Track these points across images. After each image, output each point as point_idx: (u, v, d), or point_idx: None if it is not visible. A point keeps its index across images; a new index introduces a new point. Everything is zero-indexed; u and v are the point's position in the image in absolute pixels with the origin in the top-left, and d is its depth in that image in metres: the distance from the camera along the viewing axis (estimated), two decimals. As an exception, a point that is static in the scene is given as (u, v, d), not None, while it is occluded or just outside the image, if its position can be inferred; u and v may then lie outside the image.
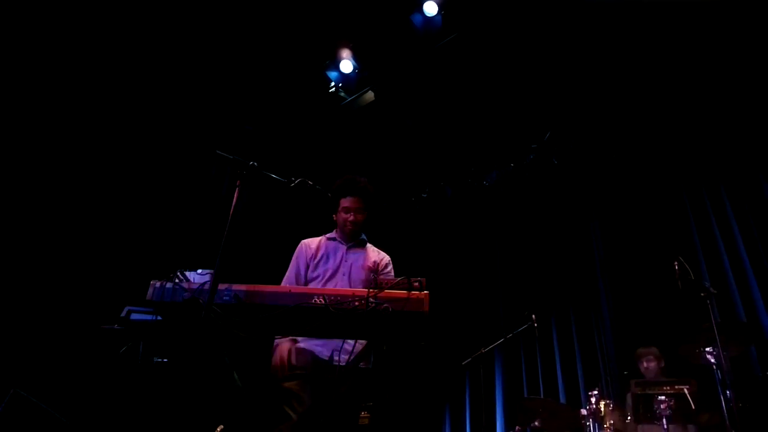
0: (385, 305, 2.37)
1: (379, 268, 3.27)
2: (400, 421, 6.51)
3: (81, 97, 4.72)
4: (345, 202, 3.24)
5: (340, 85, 5.39)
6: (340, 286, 3.08)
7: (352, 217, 3.22)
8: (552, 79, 5.62)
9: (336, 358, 2.91)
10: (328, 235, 3.38)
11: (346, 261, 3.23)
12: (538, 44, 5.29)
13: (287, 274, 3.24)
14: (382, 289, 2.43)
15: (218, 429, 2.94)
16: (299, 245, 3.33)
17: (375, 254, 3.35)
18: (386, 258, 3.37)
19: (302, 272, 3.20)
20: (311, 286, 3.09)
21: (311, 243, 3.32)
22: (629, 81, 5.59)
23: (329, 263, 3.21)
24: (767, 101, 5.49)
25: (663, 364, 4.85)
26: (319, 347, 2.97)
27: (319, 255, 3.23)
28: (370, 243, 3.40)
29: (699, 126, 5.91)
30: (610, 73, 5.51)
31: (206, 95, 5.28)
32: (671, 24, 5.00)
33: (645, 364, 4.86)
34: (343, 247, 3.28)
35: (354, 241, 3.31)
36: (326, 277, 3.15)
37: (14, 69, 4.29)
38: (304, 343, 2.97)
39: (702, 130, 5.92)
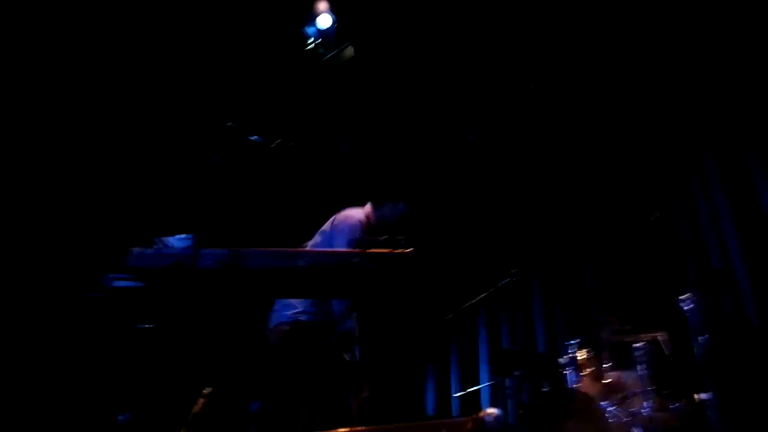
0: (369, 264, 2.37)
1: None
2: (386, 375, 6.65)
3: (50, 54, 4.52)
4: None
5: (319, 41, 5.23)
6: None
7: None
8: (537, 36, 5.57)
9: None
10: (369, 215, 3.42)
11: None
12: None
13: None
14: (365, 247, 2.43)
15: (205, 391, 2.96)
16: (360, 218, 3.32)
17: None
18: None
19: None
20: None
21: (363, 221, 3.34)
22: (619, 39, 5.56)
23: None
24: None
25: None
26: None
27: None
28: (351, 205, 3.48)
29: (688, 85, 5.91)
30: (598, 31, 5.50)
31: (181, 56, 5.09)
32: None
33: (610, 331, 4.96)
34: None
35: None
36: None
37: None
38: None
39: (687, 88, 5.93)
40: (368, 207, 3.56)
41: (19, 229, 4.03)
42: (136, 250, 2.18)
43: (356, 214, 3.41)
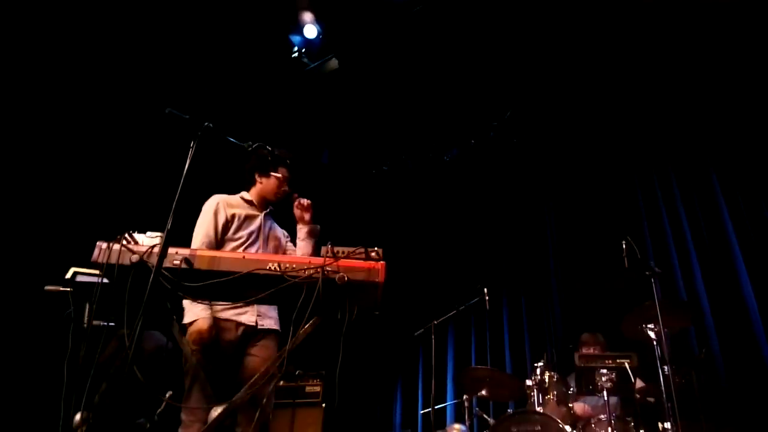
0: (340, 274, 2.36)
1: (284, 241, 3.39)
2: (354, 389, 6.60)
3: (21, 46, 4.46)
4: (283, 172, 3.34)
5: (304, 50, 5.25)
6: (261, 251, 3.16)
7: (285, 188, 3.33)
8: (516, 61, 5.69)
9: (261, 323, 3.04)
10: (243, 196, 3.32)
11: (264, 227, 3.27)
12: (505, 24, 5.33)
13: (202, 229, 3.07)
14: (338, 257, 2.42)
15: (167, 395, 2.91)
16: (216, 201, 3.19)
17: (278, 225, 3.45)
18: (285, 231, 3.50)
19: (219, 230, 3.09)
20: (230, 248, 3.06)
21: (230, 201, 3.24)
22: (589, 67, 5.71)
23: (250, 227, 3.20)
24: (720, 94, 5.68)
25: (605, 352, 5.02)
26: (243, 315, 3.00)
27: (242, 217, 3.19)
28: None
29: (653, 113, 6.08)
30: (571, 59, 5.63)
31: (160, 52, 5.06)
32: (629, 11, 5.11)
33: (590, 350, 5.01)
34: (259, 213, 3.30)
35: (269, 209, 3.37)
36: (249, 242, 3.15)
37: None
38: (224, 313, 2.96)
39: (656, 117, 6.10)
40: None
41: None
42: (102, 244, 2.14)
43: (219, 196, 3.24)
